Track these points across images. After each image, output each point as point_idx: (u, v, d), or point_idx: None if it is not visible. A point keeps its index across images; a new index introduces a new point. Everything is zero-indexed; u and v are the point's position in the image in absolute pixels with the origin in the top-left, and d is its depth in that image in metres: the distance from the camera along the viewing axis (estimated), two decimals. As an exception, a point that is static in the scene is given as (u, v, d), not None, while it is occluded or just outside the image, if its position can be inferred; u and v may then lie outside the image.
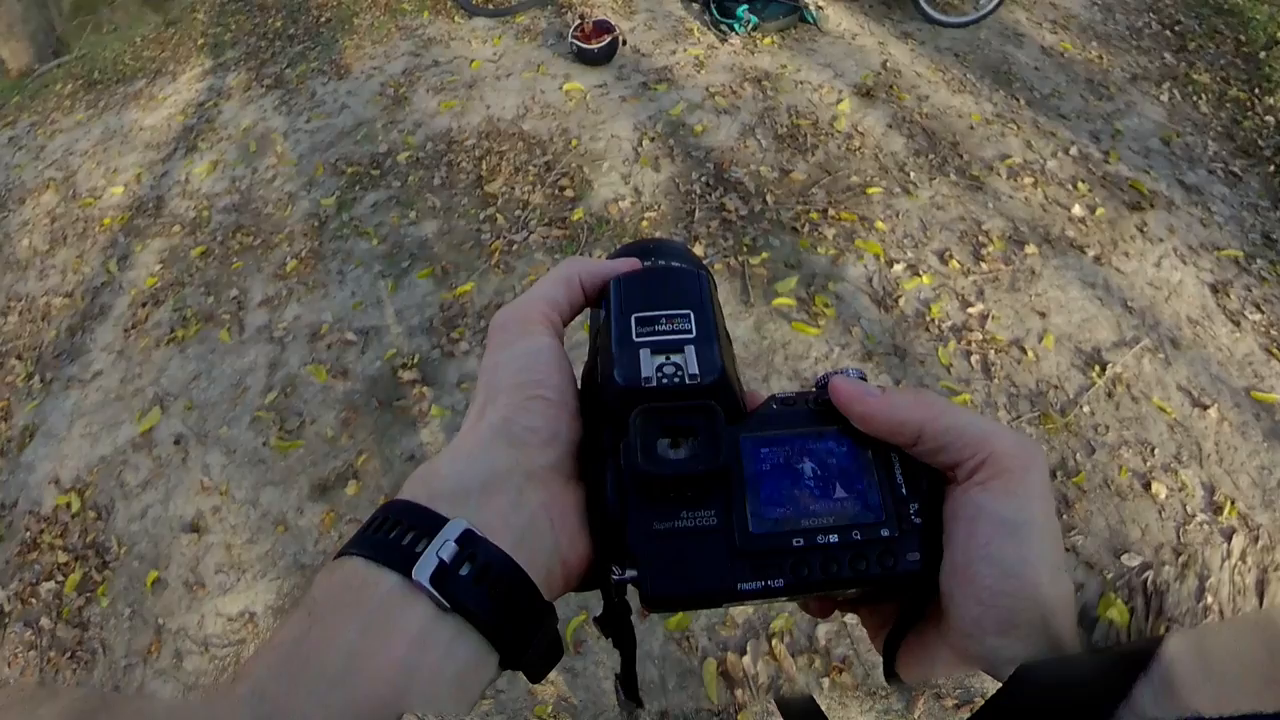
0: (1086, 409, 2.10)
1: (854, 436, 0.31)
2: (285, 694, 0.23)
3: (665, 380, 0.30)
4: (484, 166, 2.93)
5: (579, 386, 0.33)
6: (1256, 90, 3.23)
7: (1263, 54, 3.44)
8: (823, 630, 1.70)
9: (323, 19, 4.10)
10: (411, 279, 2.55)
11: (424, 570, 0.25)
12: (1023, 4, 3.81)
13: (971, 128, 3.02)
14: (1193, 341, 2.29)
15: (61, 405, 2.50)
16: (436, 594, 0.25)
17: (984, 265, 2.45)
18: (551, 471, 0.30)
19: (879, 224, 2.59)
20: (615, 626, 0.34)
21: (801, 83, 3.22)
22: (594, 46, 3.26)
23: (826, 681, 1.65)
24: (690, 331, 0.31)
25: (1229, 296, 2.42)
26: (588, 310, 0.37)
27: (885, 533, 0.29)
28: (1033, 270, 2.44)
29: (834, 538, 0.29)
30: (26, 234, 3.25)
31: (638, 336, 0.31)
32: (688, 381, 0.30)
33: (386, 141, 3.15)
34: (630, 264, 0.36)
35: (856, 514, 0.29)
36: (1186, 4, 3.92)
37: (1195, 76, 3.37)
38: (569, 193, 2.79)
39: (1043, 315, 2.31)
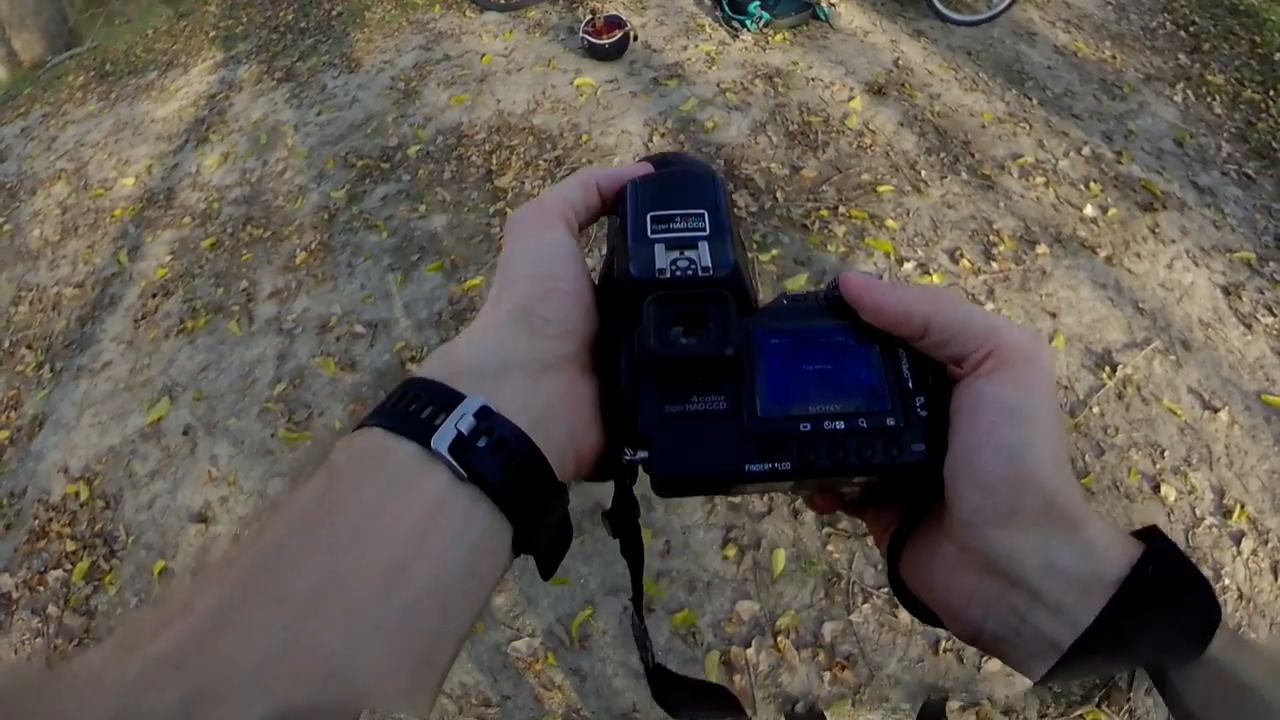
0: (1096, 410, 2.09)
1: (862, 331, 0.31)
2: (303, 549, 0.24)
3: (679, 273, 0.31)
4: (494, 161, 2.93)
5: (596, 285, 0.34)
6: (1271, 92, 3.20)
7: (1277, 56, 3.41)
8: (829, 628, 1.69)
9: (334, 12, 4.10)
10: (420, 272, 2.55)
11: (443, 440, 0.25)
12: (1036, 2, 3.79)
13: (983, 126, 3.01)
14: (1204, 344, 2.28)
15: (71, 395, 2.51)
16: (454, 463, 0.25)
17: (995, 265, 2.44)
18: (567, 362, 0.30)
19: (889, 222, 2.58)
20: (624, 525, 0.34)
21: (813, 80, 3.21)
22: (605, 42, 3.25)
23: (828, 675, 1.65)
24: (704, 229, 0.32)
25: (1241, 299, 2.40)
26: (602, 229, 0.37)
27: (891, 422, 0.29)
28: (1044, 270, 2.43)
29: (840, 424, 0.29)
30: (38, 224, 3.27)
31: (653, 233, 0.32)
32: (700, 274, 0.31)
33: (397, 135, 3.15)
34: (646, 169, 0.36)
35: (863, 404, 0.30)
36: (1201, 4, 3.89)
37: (1209, 78, 3.35)
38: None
39: (1053, 315, 2.30)
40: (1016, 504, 0.27)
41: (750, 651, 1.66)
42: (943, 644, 1.69)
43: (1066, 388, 2.13)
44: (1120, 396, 2.12)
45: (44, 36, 5.31)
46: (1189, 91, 3.27)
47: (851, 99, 3.10)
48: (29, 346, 2.75)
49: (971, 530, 0.28)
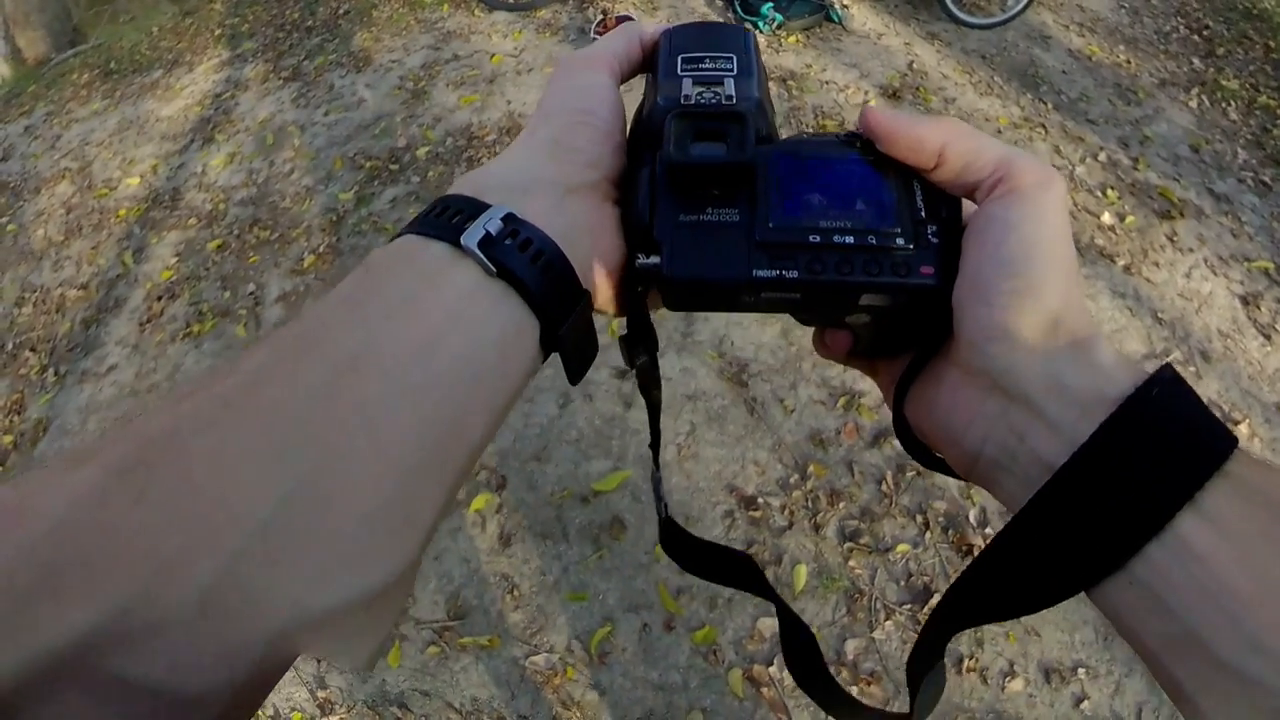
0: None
1: (878, 161, 0.31)
2: (343, 323, 0.25)
3: (704, 101, 0.32)
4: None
5: (629, 129, 0.35)
6: (1287, 98, 3.18)
7: (1294, 61, 3.39)
8: (851, 645, 1.66)
9: (341, 10, 4.06)
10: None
11: (472, 238, 0.26)
12: (1050, 6, 3.76)
13: (999, 131, 2.98)
14: (1223, 355, 2.25)
15: (75, 399, 2.48)
16: (483, 257, 0.26)
17: (1013, 273, 2.41)
18: (591, 188, 0.31)
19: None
20: (643, 348, 0.35)
21: (827, 83, 3.18)
22: (616, 43, 3.22)
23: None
24: (732, 70, 0.33)
25: (1259, 309, 2.38)
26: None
27: (900, 242, 0.30)
28: (1063, 279, 2.40)
29: (850, 239, 0.30)
30: (41, 224, 3.23)
31: (682, 70, 0.33)
32: (724, 103, 0.31)
33: (405, 136, 3.11)
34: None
35: (875, 223, 0.30)
36: (1215, 8, 3.87)
37: (1224, 83, 3.32)
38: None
39: (1073, 325, 2.27)
40: (1022, 317, 0.26)
41: (773, 670, 1.63)
42: (965, 662, 1.66)
43: (1088, 399, 2.11)
44: (1142, 408, 2.09)
45: (48, 34, 5.27)
46: (1204, 97, 3.25)
47: (866, 102, 3.07)
48: (32, 349, 2.71)
49: (976, 348, 0.28)
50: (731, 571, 0.42)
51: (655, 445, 0.40)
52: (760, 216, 0.30)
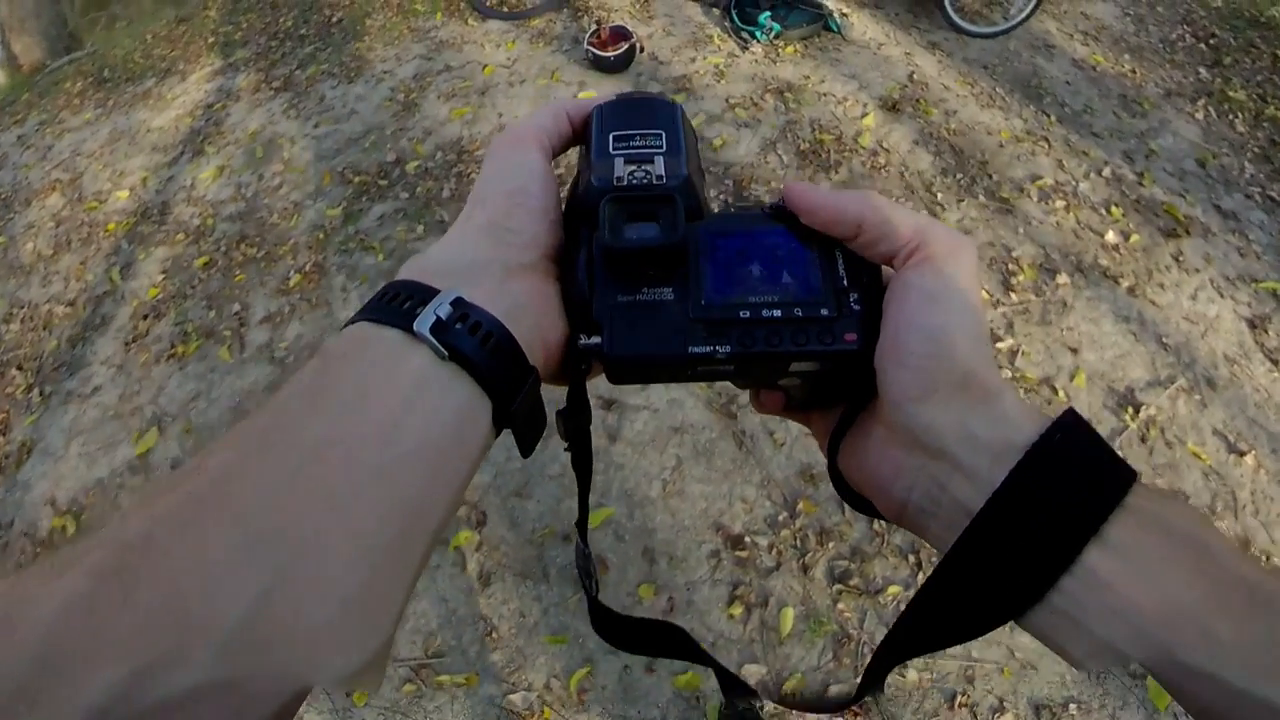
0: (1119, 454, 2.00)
1: (801, 233, 0.33)
2: (304, 413, 0.26)
3: (635, 181, 0.33)
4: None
5: (565, 204, 0.36)
6: (1296, 110, 3.10)
7: (1303, 71, 3.31)
8: (835, 691, 1.61)
9: (334, 19, 4.02)
10: (417, 298, 2.47)
11: (424, 324, 0.27)
12: (1053, 14, 3.68)
13: (1001, 145, 2.91)
14: (1229, 381, 2.19)
15: (60, 421, 2.45)
16: (435, 342, 0.27)
17: (1014, 296, 2.35)
18: (531, 268, 0.32)
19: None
20: (575, 426, 0.36)
21: (825, 95, 3.11)
22: (610, 54, 3.16)
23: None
24: (661, 146, 0.34)
25: (1267, 333, 2.31)
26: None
27: (825, 312, 0.31)
28: (1064, 302, 2.34)
29: (778, 312, 0.31)
30: (31, 237, 3.20)
31: (614, 149, 0.34)
32: (654, 182, 0.33)
33: (395, 150, 3.06)
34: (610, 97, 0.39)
35: (801, 296, 0.32)
36: (1221, 16, 3.78)
37: (1231, 93, 3.24)
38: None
39: (1074, 351, 2.21)
40: (936, 378, 0.29)
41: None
42: (958, 698, 1.62)
43: (1088, 430, 2.04)
44: (1144, 440, 2.04)
45: (44, 40, 5.24)
46: (1210, 108, 3.17)
47: (865, 115, 3.01)
48: (19, 367, 2.68)
49: (897, 408, 0.29)
50: (665, 643, 0.43)
51: (582, 521, 0.40)
52: (693, 294, 0.32)
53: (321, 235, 2.77)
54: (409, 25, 3.81)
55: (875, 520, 1.82)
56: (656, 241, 0.31)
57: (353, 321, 0.29)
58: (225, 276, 2.72)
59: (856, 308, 0.32)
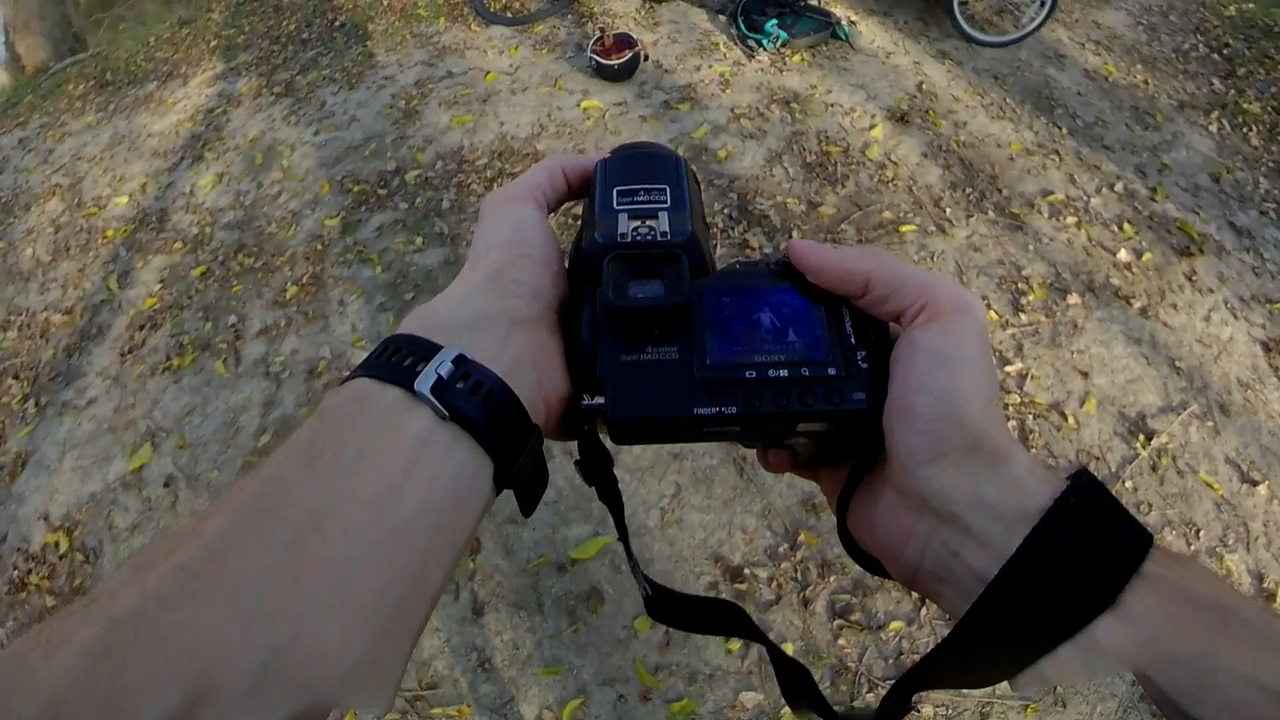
0: (1129, 484, 1.96)
1: (808, 291, 0.33)
2: (301, 479, 0.25)
3: (639, 237, 0.33)
4: (496, 189, 2.80)
5: (567, 258, 0.36)
6: (1312, 124, 3.04)
7: (1320, 84, 3.24)
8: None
9: (337, 23, 3.98)
10: (415, 313, 2.43)
11: (424, 383, 0.27)
12: (1065, 22, 3.62)
13: (1011, 158, 2.86)
14: (1243, 407, 2.13)
15: (55, 433, 2.42)
16: (436, 403, 0.27)
17: (1023, 316, 2.30)
18: (535, 320, 0.32)
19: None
20: (595, 471, 0.36)
21: (832, 105, 3.06)
22: (614, 63, 3.12)
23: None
24: (665, 202, 0.34)
25: (1282, 356, 2.26)
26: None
27: (832, 371, 0.31)
28: (1075, 323, 2.29)
29: (784, 372, 0.31)
30: (30, 243, 3.18)
31: (618, 204, 0.34)
32: (659, 239, 0.33)
33: (395, 158, 3.03)
34: (614, 150, 0.39)
35: (806, 355, 0.31)
36: (1234, 26, 3.72)
37: (1245, 105, 3.18)
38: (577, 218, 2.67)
39: (1085, 375, 2.16)
40: (946, 442, 0.28)
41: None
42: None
43: (1098, 458, 2.00)
44: (1155, 469, 1.99)
45: (48, 41, 5.23)
46: (1224, 121, 3.11)
47: (873, 127, 2.96)
48: (15, 376, 2.66)
49: (907, 472, 0.29)
50: (725, 621, 0.43)
51: (624, 540, 0.40)
52: (698, 354, 0.31)
53: (319, 246, 2.73)
54: (412, 30, 3.78)
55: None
56: (661, 300, 0.31)
57: (353, 376, 0.29)
58: (222, 287, 2.70)
59: (864, 366, 0.31)
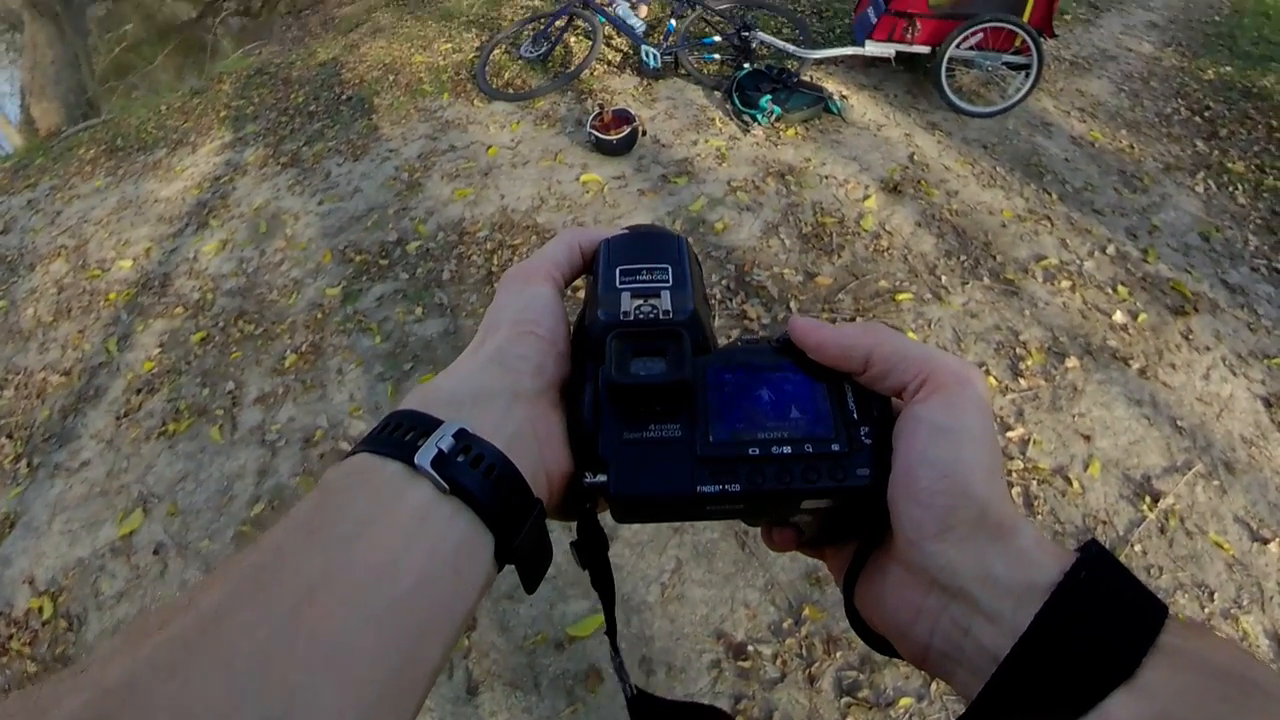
0: (1138, 548, 1.92)
1: (809, 368, 0.33)
2: (299, 550, 0.25)
3: (642, 316, 0.33)
4: (495, 261, 2.84)
5: (571, 337, 0.36)
6: (1295, 181, 3.12)
7: (1300, 144, 3.34)
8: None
9: (344, 96, 4.11)
10: (413, 383, 2.42)
11: (425, 457, 0.27)
12: (1050, 92, 3.75)
13: (1004, 225, 2.91)
14: (1248, 464, 2.12)
15: (45, 494, 2.38)
16: (437, 476, 0.27)
17: (1023, 381, 2.30)
18: (538, 396, 0.32)
19: (909, 334, 2.46)
20: (591, 555, 0.35)
21: (826, 177, 3.13)
22: (613, 137, 3.20)
23: None
24: (667, 281, 0.34)
25: (1284, 412, 2.25)
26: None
27: (836, 448, 0.31)
28: (1075, 386, 2.29)
29: (787, 449, 0.31)
30: (33, 303, 3.20)
31: (621, 283, 0.34)
32: (661, 317, 0.33)
33: (397, 229, 3.08)
34: (620, 231, 0.39)
35: (809, 431, 0.31)
36: (1214, 89, 3.85)
37: (1229, 165, 3.27)
38: (582, 293, 2.69)
39: (1087, 438, 2.15)
40: (952, 516, 0.28)
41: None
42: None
43: (1105, 522, 1.97)
44: (1163, 531, 1.95)
45: (62, 106, 5.38)
46: (1210, 181, 3.19)
47: (867, 197, 3.02)
48: (9, 435, 2.63)
49: (913, 547, 0.29)
50: None
51: (611, 632, 0.39)
52: (701, 432, 0.31)
53: (320, 314, 2.75)
54: (416, 105, 3.89)
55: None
56: (663, 378, 0.31)
57: (354, 452, 0.29)
58: (221, 353, 2.70)
59: (867, 442, 0.31)
